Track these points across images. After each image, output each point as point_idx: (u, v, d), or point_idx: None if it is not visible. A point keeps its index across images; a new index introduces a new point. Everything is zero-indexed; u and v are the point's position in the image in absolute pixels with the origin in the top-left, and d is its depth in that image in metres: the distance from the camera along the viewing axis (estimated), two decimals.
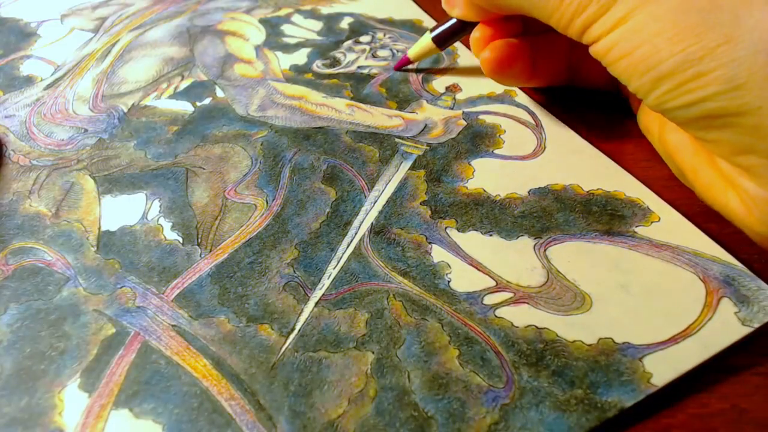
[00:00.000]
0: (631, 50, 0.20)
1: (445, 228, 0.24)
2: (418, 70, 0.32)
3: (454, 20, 0.29)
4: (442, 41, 0.30)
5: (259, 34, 0.35)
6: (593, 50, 0.22)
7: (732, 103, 0.19)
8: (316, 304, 0.21)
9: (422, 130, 0.28)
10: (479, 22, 0.27)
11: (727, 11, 0.19)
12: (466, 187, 0.25)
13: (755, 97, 0.18)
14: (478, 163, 0.26)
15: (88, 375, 0.19)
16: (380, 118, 0.29)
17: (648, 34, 0.20)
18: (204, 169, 0.27)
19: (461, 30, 0.29)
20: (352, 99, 0.30)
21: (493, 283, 0.22)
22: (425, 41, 0.30)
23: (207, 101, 0.30)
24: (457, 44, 0.34)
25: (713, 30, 0.19)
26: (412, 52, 0.31)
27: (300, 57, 0.33)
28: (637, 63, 0.20)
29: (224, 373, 0.19)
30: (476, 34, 0.27)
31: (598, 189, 0.25)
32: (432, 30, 0.30)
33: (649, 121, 0.26)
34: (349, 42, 0.35)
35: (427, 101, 0.30)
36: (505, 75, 0.27)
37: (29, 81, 0.32)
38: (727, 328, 0.20)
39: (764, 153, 0.19)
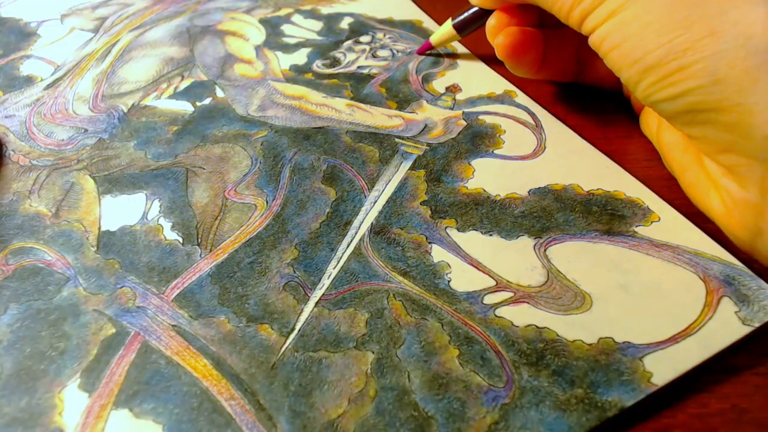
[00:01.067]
0: (622, 41, 0.21)
1: (445, 228, 0.24)
2: (437, 55, 0.33)
3: (474, 10, 0.30)
4: (463, 28, 0.31)
5: (259, 34, 0.35)
6: (591, 41, 0.22)
7: (711, 98, 0.19)
8: (316, 304, 0.21)
9: (422, 130, 0.28)
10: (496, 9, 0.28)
11: (714, 4, 0.19)
12: (466, 187, 0.25)
13: (734, 93, 0.18)
14: (478, 163, 0.26)
15: (88, 375, 0.19)
16: (380, 118, 0.29)
17: (638, 26, 0.20)
18: (204, 169, 0.27)
19: (481, 18, 0.30)
20: (352, 99, 0.30)
21: (493, 283, 0.22)
22: (447, 28, 0.32)
23: (207, 101, 0.30)
24: (457, 45, 0.34)
25: (699, 23, 0.19)
26: (434, 37, 0.33)
27: (300, 57, 0.33)
28: (626, 54, 0.21)
29: (224, 373, 0.19)
30: (492, 21, 0.28)
31: (598, 189, 0.25)
32: (454, 17, 0.31)
33: (648, 119, 0.26)
34: (349, 42, 0.35)
35: (427, 101, 0.30)
36: (518, 61, 0.27)
37: (29, 81, 0.32)
38: (727, 328, 0.20)
39: (744, 152, 0.19)
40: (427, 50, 0.33)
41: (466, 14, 0.31)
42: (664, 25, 0.19)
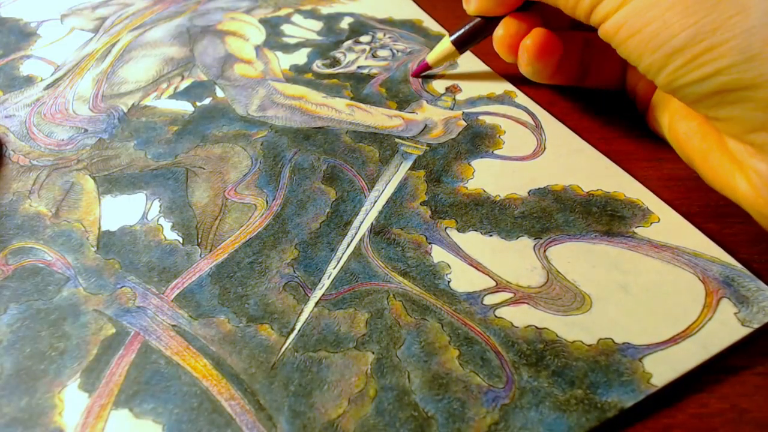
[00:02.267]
0: (642, 27, 0.20)
1: (445, 228, 0.24)
2: (435, 77, 0.32)
3: (473, 22, 0.29)
4: (462, 44, 0.30)
5: (259, 34, 0.35)
6: (602, 31, 0.22)
7: (746, 75, 0.19)
8: (316, 304, 0.21)
9: (422, 131, 0.28)
10: (499, 22, 0.27)
11: None
12: (466, 188, 0.25)
13: None
14: (478, 163, 0.26)
15: (88, 375, 0.19)
16: (380, 118, 0.29)
17: (659, 10, 0.20)
18: (204, 169, 0.27)
19: (482, 31, 0.29)
20: (352, 99, 0.30)
21: (493, 284, 0.22)
22: (445, 45, 0.30)
23: (207, 101, 0.30)
24: None
25: (725, 1, 0.19)
26: (432, 56, 0.31)
27: (300, 57, 0.33)
28: (648, 40, 0.20)
29: (224, 373, 0.19)
30: (500, 31, 0.27)
31: (597, 189, 0.25)
32: (451, 34, 0.30)
33: (658, 113, 0.26)
34: (349, 42, 0.35)
35: (427, 101, 0.30)
36: (544, 63, 0.27)
37: (29, 81, 0.32)
38: (726, 329, 0.20)
39: None
40: (423, 72, 0.31)
41: (465, 28, 0.29)
42: (687, 6, 0.19)
